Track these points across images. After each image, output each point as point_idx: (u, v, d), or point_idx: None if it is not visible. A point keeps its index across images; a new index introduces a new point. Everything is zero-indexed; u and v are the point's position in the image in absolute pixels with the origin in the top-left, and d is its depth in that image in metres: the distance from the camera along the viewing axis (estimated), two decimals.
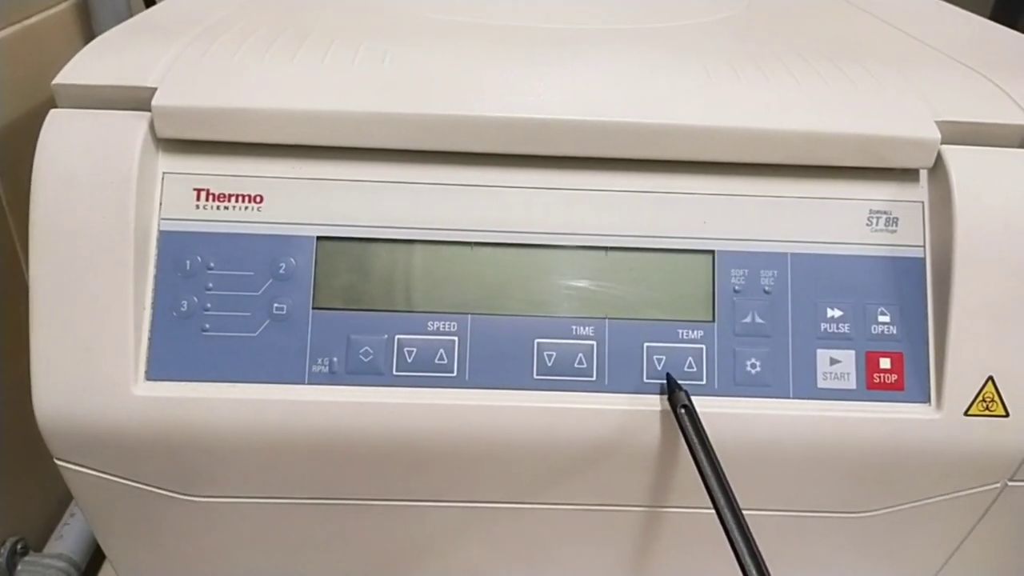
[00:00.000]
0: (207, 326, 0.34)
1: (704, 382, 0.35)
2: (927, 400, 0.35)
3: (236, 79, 0.35)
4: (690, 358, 0.35)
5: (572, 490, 0.37)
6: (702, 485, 0.32)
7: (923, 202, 0.36)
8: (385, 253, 0.35)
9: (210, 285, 0.34)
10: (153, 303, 0.34)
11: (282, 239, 0.35)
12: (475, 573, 0.42)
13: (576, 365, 0.35)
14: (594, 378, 0.35)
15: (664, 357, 0.35)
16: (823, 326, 0.35)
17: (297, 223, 0.35)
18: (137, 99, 0.34)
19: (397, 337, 0.35)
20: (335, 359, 0.34)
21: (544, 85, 0.36)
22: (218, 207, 0.35)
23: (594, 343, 0.35)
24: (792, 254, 0.36)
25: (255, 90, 0.34)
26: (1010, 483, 0.37)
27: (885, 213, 0.36)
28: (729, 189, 0.36)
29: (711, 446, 0.32)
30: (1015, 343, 0.34)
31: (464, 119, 0.34)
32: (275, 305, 0.34)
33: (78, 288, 0.33)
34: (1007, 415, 0.35)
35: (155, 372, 0.34)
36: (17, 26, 0.49)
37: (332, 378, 0.34)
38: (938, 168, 0.35)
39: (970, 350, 0.34)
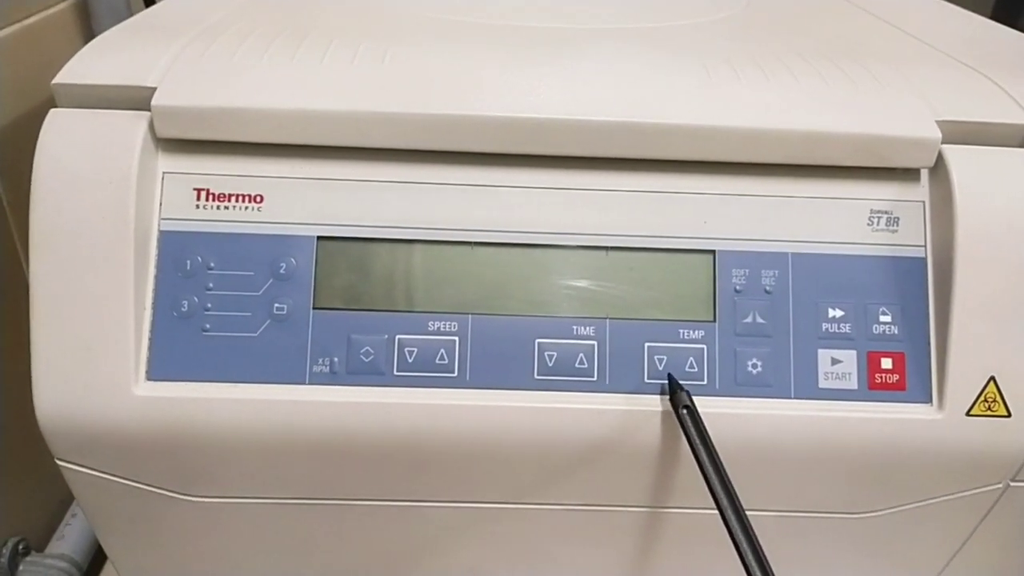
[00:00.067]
0: (207, 326, 0.34)
1: (705, 382, 0.35)
2: (929, 400, 0.35)
3: (236, 79, 0.35)
4: (691, 358, 0.35)
5: (573, 490, 0.37)
6: (703, 485, 0.32)
7: (924, 202, 0.36)
8: (385, 253, 0.35)
9: (210, 285, 0.34)
10: (153, 303, 0.34)
11: (282, 239, 0.35)
12: (476, 573, 0.42)
13: (577, 365, 0.35)
14: (595, 378, 0.35)
15: (665, 357, 0.35)
16: (824, 326, 0.35)
17: (297, 223, 0.35)
18: (137, 99, 0.34)
19: (398, 337, 0.35)
20: (336, 359, 0.34)
21: (544, 85, 0.36)
22: (218, 207, 0.35)
23: (595, 343, 0.35)
24: (793, 254, 0.36)
25: (255, 90, 0.34)
26: (1012, 483, 0.37)
27: (886, 213, 0.36)
28: (730, 189, 0.36)
29: (714, 447, 0.32)
30: (1017, 343, 0.34)
31: (464, 119, 0.34)
32: (275, 305, 0.34)
33: (78, 288, 0.33)
34: (1009, 415, 0.35)
35: (156, 372, 0.34)
36: (17, 26, 0.49)
37: (333, 378, 0.34)
38: (939, 168, 0.35)
39: (972, 350, 0.34)
